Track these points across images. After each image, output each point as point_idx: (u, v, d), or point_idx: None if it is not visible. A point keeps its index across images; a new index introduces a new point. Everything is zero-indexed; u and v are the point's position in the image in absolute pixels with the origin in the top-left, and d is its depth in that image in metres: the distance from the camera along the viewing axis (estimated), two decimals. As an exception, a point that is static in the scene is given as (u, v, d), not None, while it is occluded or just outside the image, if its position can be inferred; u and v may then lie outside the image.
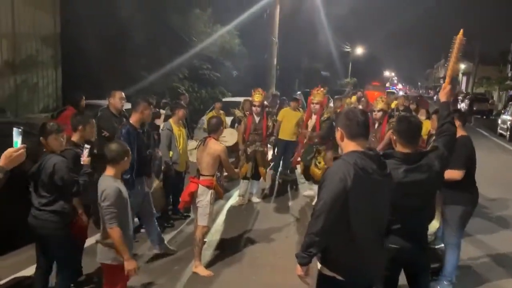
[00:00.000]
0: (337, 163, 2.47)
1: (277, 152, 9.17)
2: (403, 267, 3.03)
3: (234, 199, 7.25)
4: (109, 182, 3.12)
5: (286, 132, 8.48)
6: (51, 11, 12.33)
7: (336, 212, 2.35)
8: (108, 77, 12.24)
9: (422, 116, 7.97)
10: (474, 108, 30.79)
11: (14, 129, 2.59)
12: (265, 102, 7.96)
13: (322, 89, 7.19)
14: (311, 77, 33.15)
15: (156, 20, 13.08)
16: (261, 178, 7.33)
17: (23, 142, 2.54)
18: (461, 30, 3.44)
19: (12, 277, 4.31)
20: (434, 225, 4.38)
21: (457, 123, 3.93)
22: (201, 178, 4.56)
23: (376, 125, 6.19)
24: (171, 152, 5.81)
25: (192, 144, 7.33)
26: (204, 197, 4.52)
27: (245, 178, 7.11)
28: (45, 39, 12.21)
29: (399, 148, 2.93)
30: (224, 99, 13.02)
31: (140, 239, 5.19)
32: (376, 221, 2.51)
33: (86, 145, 3.72)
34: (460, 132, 3.98)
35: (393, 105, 10.64)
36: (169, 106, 7.07)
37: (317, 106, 6.93)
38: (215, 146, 4.51)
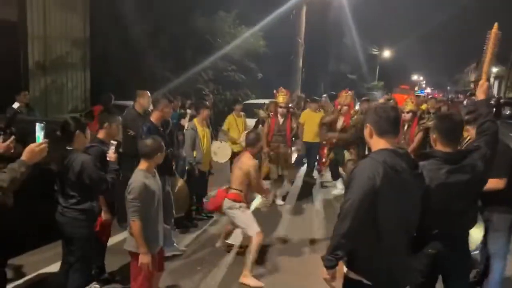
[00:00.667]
0: (365, 162, 2.35)
1: (301, 154, 9.12)
2: (441, 274, 2.86)
3: (257, 201, 7.14)
4: (137, 177, 3.23)
5: (309, 134, 8.47)
6: (81, 14, 12.61)
7: (364, 212, 2.23)
8: (134, 79, 12.41)
9: None
10: (507, 113, 29.52)
11: (37, 124, 2.63)
12: (290, 104, 7.90)
13: (349, 92, 7.09)
14: (337, 80, 32.81)
15: (182, 22, 13.17)
16: (285, 180, 7.22)
17: (50, 140, 2.56)
18: (496, 24, 3.24)
19: (37, 273, 4.34)
20: (477, 235, 4.09)
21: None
22: (230, 191, 4.58)
23: (406, 127, 5.99)
24: (195, 152, 5.79)
25: (217, 144, 7.32)
26: (233, 210, 4.51)
27: (266, 178, 6.96)
28: (75, 41, 12.49)
29: (440, 147, 2.77)
30: (247, 101, 12.99)
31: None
32: (405, 222, 2.36)
33: (112, 142, 3.70)
34: None
35: (423, 107, 10.38)
36: (194, 106, 7.04)
37: (345, 108, 6.84)
38: (248, 161, 4.52)
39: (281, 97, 6.93)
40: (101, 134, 3.91)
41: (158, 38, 13.13)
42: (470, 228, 2.87)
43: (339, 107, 7.02)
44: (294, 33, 15.83)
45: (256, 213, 6.65)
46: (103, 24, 12.69)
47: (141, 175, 3.25)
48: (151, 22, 12.64)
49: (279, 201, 7.22)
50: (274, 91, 7.12)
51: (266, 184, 6.98)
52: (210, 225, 6.02)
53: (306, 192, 8.02)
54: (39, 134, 2.60)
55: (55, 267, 4.36)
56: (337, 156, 7.10)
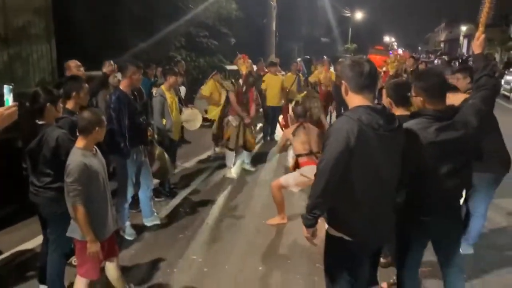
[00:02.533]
0: (340, 120, 2.30)
1: (265, 119, 9.18)
2: (432, 239, 2.81)
3: (225, 171, 7.04)
4: (74, 156, 2.85)
5: (271, 99, 8.61)
6: (41, -19, 11.91)
7: (339, 171, 2.21)
8: (103, 48, 11.93)
9: None
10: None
11: (5, 86, 2.39)
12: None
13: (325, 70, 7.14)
14: (310, 44, 32.59)
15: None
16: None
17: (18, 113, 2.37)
18: None
19: (14, 250, 4.24)
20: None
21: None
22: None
23: None
24: (164, 120, 5.56)
25: (188, 112, 7.15)
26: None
27: (231, 149, 6.86)
28: (37, 11, 11.84)
29: (429, 107, 2.59)
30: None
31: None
32: (384, 180, 2.32)
33: None
34: None
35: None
36: (162, 72, 6.76)
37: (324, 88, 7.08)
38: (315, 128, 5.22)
39: (243, 67, 6.75)
40: (69, 104, 3.67)
41: (128, 5, 12.57)
42: (464, 189, 2.80)
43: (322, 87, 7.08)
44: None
45: (228, 181, 6.64)
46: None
47: (79, 154, 2.86)
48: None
49: (250, 168, 7.23)
50: (237, 57, 6.91)
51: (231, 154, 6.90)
52: (189, 194, 5.99)
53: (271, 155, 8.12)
54: (8, 96, 2.36)
55: (30, 245, 4.32)
56: None
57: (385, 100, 3.23)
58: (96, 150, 3.05)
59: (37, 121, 3.11)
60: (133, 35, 12.53)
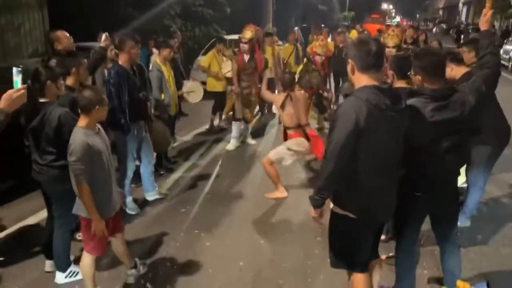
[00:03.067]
0: (348, 100, 2.32)
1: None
2: (429, 214, 2.86)
3: (227, 143, 7.07)
4: (76, 135, 2.84)
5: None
6: None
7: (349, 153, 2.25)
8: (95, 17, 11.69)
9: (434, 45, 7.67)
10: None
11: (14, 68, 2.50)
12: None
13: (323, 38, 7.08)
14: (308, 12, 31.99)
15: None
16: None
17: None
18: None
19: (18, 226, 4.28)
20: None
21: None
22: (308, 128, 5.05)
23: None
24: (162, 95, 5.50)
25: (189, 85, 7.08)
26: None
27: (236, 119, 6.88)
28: (27, -22, 11.49)
29: (427, 85, 2.60)
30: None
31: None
32: (389, 159, 2.37)
33: None
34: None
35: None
36: (155, 45, 6.55)
37: (323, 58, 6.99)
38: (302, 95, 5.15)
39: (245, 33, 6.56)
40: (69, 81, 3.63)
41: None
42: (460, 167, 2.82)
43: (317, 58, 6.91)
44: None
45: (230, 154, 6.67)
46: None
47: (81, 133, 2.84)
48: None
49: (251, 141, 7.20)
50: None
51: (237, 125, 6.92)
52: (189, 168, 6.01)
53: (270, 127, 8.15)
54: (17, 78, 2.45)
55: (33, 219, 4.36)
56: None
57: (388, 72, 3.31)
58: (99, 128, 3.04)
59: (38, 98, 3.06)
60: (126, 4, 12.25)
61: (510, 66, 16.77)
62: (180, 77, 7.22)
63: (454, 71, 3.82)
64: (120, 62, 4.32)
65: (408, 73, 2.94)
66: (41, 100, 3.08)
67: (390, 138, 2.32)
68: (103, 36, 4.54)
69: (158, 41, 6.09)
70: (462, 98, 2.59)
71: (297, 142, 4.99)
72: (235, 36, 9.28)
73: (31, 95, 2.70)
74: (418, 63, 2.63)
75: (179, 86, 6.51)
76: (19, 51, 11.38)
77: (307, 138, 5.01)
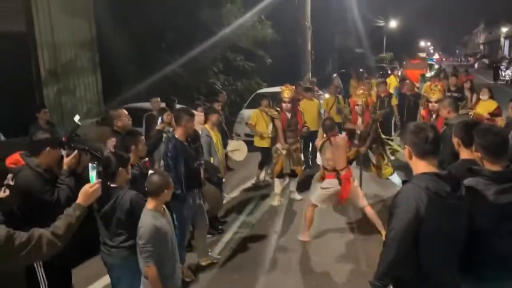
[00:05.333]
0: (407, 188, 2.34)
1: (304, 145, 9.12)
2: None
3: (272, 198, 7.17)
4: (146, 219, 3.04)
5: (308, 124, 8.21)
6: (86, 16, 12.53)
7: (409, 240, 2.26)
8: (145, 78, 12.40)
9: (484, 95, 7.31)
10: None
11: (90, 164, 2.71)
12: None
13: (363, 89, 6.92)
14: (345, 56, 32.38)
15: (188, 16, 13.04)
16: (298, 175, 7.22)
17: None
18: None
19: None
20: None
21: None
22: (343, 172, 5.34)
23: (434, 117, 5.64)
24: (212, 158, 5.73)
25: (234, 144, 7.31)
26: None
27: (279, 176, 7.03)
28: (83, 44, 12.45)
29: (487, 165, 2.53)
30: (260, 91, 12.87)
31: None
32: (451, 248, 2.35)
33: (150, 171, 3.74)
34: None
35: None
36: (204, 111, 6.82)
37: (363, 108, 6.73)
38: (342, 139, 5.55)
39: (285, 92, 6.88)
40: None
41: (165, 34, 13.01)
42: None
43: (356, 108, 6.80)
44: (300, 15, 15.57)
45: (273, 210, 6.73)
46: (109, 24, 12.62)
47: (150, 216, 3.04)
48: (158, 18, 12.52)
49: (297, 196, 7.24)
50: (280, 88, 7.06)
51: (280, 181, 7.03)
52: (239, 228, 6.09)
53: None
54: (92, 174, 2.65)
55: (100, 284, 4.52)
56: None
57: (454, 140, 3.16)
58: (164, 209, 3.23)
59: (109, 183, 3.25)
60: (172, 64, 12.92)
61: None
62: (225, 137, 7.48)
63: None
64: (176, 135, 4.60)
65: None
66: (112, 185, 3.28)
67: (452, 225, 2.30)
68: (160, 120, 4.83)
69: (205, 108, 6.41)
70: None
71: (329, 182, 5.39)
72: (278, 89, 9.54)
73: (103, 182, 2.91)
74: (480, 141, 2.56)
75: (224, 145, 6.74)
76: (74, 112, 12.14)
77: (340, 180, 5.35)
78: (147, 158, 4.82)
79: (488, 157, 2.51)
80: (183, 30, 13.21)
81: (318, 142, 5.59)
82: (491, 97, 7.36)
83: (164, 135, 5.31)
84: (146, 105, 8.86)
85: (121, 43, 12.66)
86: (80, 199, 2.49)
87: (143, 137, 4.29)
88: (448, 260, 2.35)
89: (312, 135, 8.73)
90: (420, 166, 2.36)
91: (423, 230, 2.24)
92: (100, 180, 2.64)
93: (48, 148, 3.42)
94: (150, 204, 3.11)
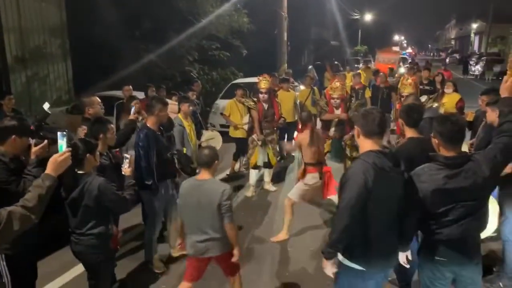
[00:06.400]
0: (356, 164, 2.65)
1: (279, 135, 9.12)
2: (451, 280, 2.82)
3: (246, 189, 7.15)
4: (220, 184, 3.45)
5: (285, 115, 8.19)
6: (56, 2, 12.13)
7: (359, 209, 2.54)
8: (118, 66, 12.11)
9: (449, 89, 7.73)
10: (495, 70, 27.00)
11: (58, 133, 2.59)
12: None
13: (339, 82, 6.90)
14: (320, 48, 32.55)
15: (163, 4, 12.76)
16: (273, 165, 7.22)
17: None
18: None
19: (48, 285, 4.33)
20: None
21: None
22: (324, 166, 5.39)
23: None
24: (185, 149, 5.60)
25: (208, 134, 7.22)
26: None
27: (255, 167, 7.01)
28: (52, 30, 12.05)
29: (443, 151, 2.69)
30: (236, 81, 12.79)
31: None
32: (391, 215, 2.65)
33: (125, 155, 3.65)
34: None
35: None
36: (178, 100, 6.70)
37: (338, 101, 6.68)
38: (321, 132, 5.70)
39: (262, 83, 6.84)
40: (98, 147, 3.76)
41: (140, 22, 12.72)
42: (479, 232, 2.78)
43: (332, 101, 6.76)
44: (277, 5, 15.48)
45: (248, 201, 6.70)
46: (81, 10, 12.23)
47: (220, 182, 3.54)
48: (132, 5, 12.20)
49: (271, 187, 7.24)
50: (258, 79, 6.99)
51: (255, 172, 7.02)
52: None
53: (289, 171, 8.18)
54: (62, 142, 2.54)
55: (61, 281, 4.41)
56: (334, 149, 7.00)
57: (399, 120, 3.65)
58: None
59: (76, 170, 3.14)
60: (147, 52, 12.66)
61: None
62: (199, 127, 7.38)
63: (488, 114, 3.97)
64: (148, 124, 4.47)
65: (419, 118, 3.48)
66: (79, 171, 3.16)
67: (393, 195, 2.61)
68: (133, 109, 4.70)
69: (179, 97, 6.27)
70: (475, 168, 2.61)
71: (313, 176, 5.31)
72: (254, 79, 9.45)
73: (70, 168, 2.80)
74: (438, 128, 2.71)
75: (198, 136, 6.65)
76: (43, 100, 11.76)
77: (321, 174, 5.35)
78: (118, 149, 4.72)
79: (445, 143, 2.69)
80: (158, 18, 12.95)
81: (305, 137, 5.34)
82: (455, 90, 7.78)
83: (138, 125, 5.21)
84: (118, 93, 8.71)
85: (94, 30, 12.29)
86: (49, 169, 2.37)
87: (112, 125, 4.16)
88: (390, 226, 2.66)
89: (288, 127, 8.77)
90: (366, 145, 2.68)
91: (371, 200, 2.54)
92: (70, 149, 2.53)
93: (14, 136, 3.21)
94: (206, 174, 3.40)
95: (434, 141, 2.75)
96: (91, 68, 12.37)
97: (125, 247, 5.07)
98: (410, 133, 3.51)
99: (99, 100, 4.86)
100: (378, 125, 2.63)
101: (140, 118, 4.99)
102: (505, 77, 2.93)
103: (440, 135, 2.69)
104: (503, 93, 2.90)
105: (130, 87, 7.42)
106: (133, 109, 4.71)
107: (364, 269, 2.64)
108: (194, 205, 3.35)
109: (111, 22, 12.25)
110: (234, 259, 3.44)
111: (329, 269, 2.75)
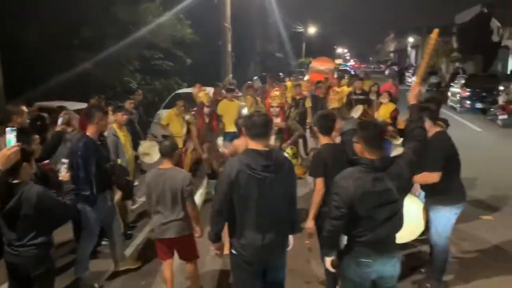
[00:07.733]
0: (232, 160, 3.02)
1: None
2: (373, 279, 2.86)
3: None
4: (180, 171, 3.92)
5: (228, 125, 8.10)
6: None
7: (227, 199, 2.86)
8: (54, 75, 11.56)
9: (384, 99, 8.00)
10: (431, 81, 29.16)
11: (7, 129, 2.69)
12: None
13: (278, 91, 7.01)
14: (266, 60, 33.06)
15: (103, 13, 12.41)
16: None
17: None
18: (437, 30, 3.30)
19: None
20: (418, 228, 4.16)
21: (428, 123, 3.76)
22: None
23: None
24: (119, 160, 5.35)
25: (146, 145, 7.00)
26: None
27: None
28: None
29: (367, 155, 2.77)
30: (179, 91, 12.64)
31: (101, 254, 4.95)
32: (267, 211, 2.89)
33: (63, 160, 3.56)
34: (433, 130, 3.89)
35: (348, 89, 10.76)
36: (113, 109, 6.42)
37: (278, 110, 6.70)
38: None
39: (204, 98, 6.78)
40: None
41: (79, 30, 12.25)
42: (397, 232, 2.87)
43: (271, 110, 6.68)
44: (220, 17, 15.54)
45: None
46: (15, 16, 11.58)
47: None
48: (71, 13, 11.73)
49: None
50: (192, 90, 6.91)
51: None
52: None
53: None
54: (10, 137, 2.65)
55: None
56: None
57: (314, 127, 4.02)
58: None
59: (10, 180, 2.89)
60: (86, 62, 12.19)
61: (458, 108, 17.69)
62: (137, 137, 7.18)
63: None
64: (88, 133, 4.27)
65: (332, 125, 3.79)
66: (14, 181, 2.93)
67: (262, 191, 2.84)
68: (60, 120, 4.48)
69: (114, 107, 6.01)
70: (398, 170, 2.74)
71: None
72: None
73: (4, 178, 2.76)
74: (361, 133, 2.81)
75: (136, 146, 6.45)
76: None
77: None
78: (47, 161, 4.49)
79: (369, 148, 2.77)
80: (98, 26, 12.54)
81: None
82: (391, 100, 8.09)
83: (68, 136, 4.97)
84: (55, 104, 8.34)
85: (29, 38, 11.66)
86: None
87: (37, 136, 3.92)
88: (262, 218, 2.89)
89: (231, 137, 8.73)
90: (250, 144, 2.93)
91: (233, 190, 2.82)
92: (19, 144, 2.64)
93: None
94: (168, 164, 3.82)
95: (357, 146, 2.82)
96: (24, 78, 11.70)
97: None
98: (324, 140, 3.81)
99: (26, 110, 4.59)
100: (260, 127, 2.89)
101: (70, 129, 4.77)
102: (412, 85, 3.17)
103: (364, 140, 2.77)
104: (412, 100, 3.11)
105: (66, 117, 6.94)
106: (60, 120, 4.48)
107: (236, 254, 2.97)
108: (158, 192, 3.75)
109: (48, 29, 11.70)
110: (197, 235, 3.94)
111: (219, 251, 3.20)
